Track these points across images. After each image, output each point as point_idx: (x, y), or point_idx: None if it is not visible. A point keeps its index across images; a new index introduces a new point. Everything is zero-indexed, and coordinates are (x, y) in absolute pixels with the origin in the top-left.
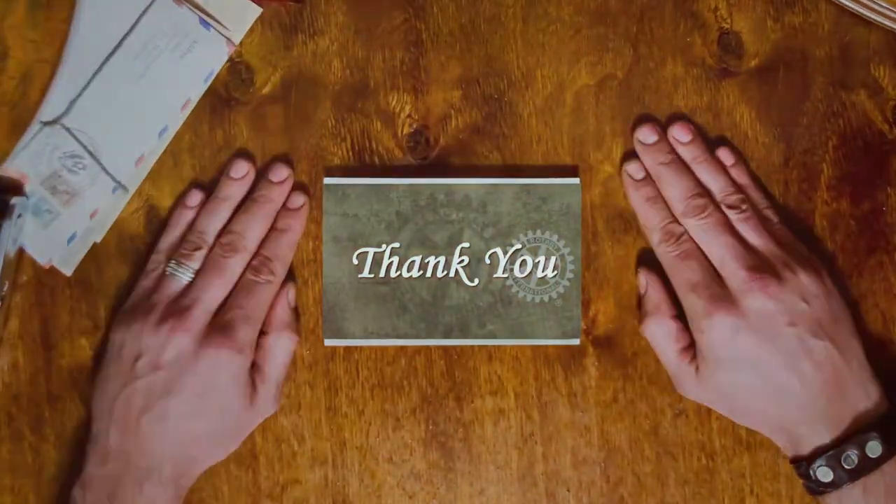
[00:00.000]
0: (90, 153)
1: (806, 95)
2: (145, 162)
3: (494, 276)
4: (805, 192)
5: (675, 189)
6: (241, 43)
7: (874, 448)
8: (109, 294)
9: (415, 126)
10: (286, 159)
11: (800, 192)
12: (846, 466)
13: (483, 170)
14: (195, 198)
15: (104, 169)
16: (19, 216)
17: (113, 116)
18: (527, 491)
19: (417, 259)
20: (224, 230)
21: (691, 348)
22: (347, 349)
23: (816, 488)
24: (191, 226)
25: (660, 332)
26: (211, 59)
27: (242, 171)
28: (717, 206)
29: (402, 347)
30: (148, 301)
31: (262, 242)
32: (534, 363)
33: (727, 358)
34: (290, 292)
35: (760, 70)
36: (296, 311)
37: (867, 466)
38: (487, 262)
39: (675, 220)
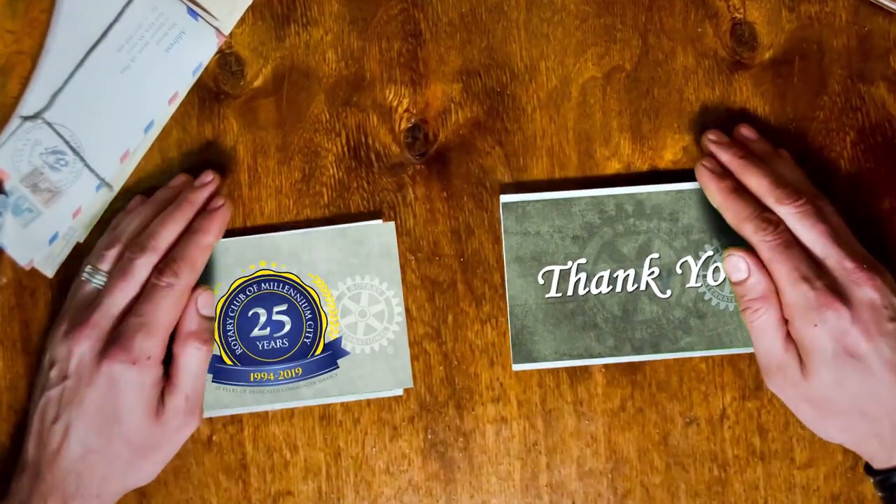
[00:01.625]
0: (73, 149)
1: (822, 89)
2: (130, 158)
3: (687, 286)
4: (821, 189)
5: (762, 178)
6: (231, 33)
7: None
8: None
9: (413, 121)
10: (217, 167)
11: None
12: None
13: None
14: (135, 203)
15: (87, 166)
16: None
17: (97, 111)
18: (530, 503)
19: (606, 273)
20: (137, 232)
21: (791, 338)
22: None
23: None
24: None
25: (771, 320)
26: (199, 50)
27: (179, 181)
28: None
29: None
30: (65, 307)
31: (173, 245)
32: (538, 369)
33: (837, 353)
34: (202, 298)
35: (775, 62)
36: (207, 319)
37: None
38: (679, 272)
39: (767, 209)
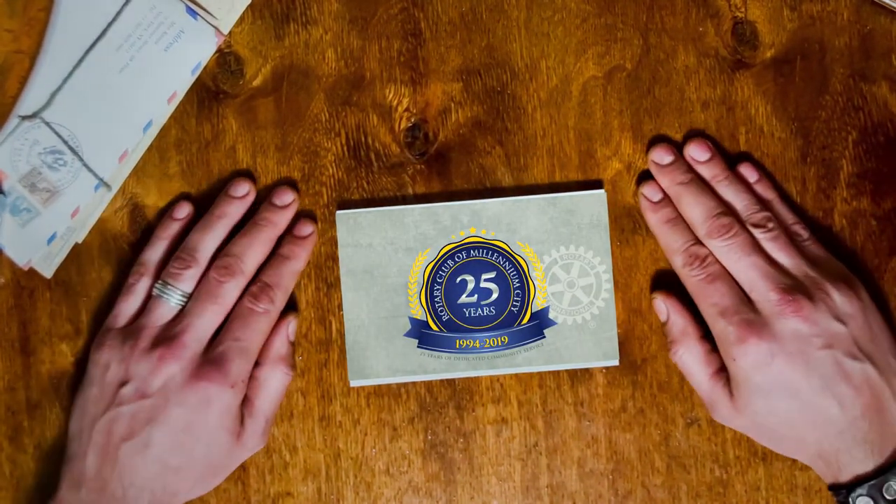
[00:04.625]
0: (71, 149)
1: (824, 88)
2: (129, 158)
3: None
4: (824, 189)
5: (696, 209)
6: (230, 33)
7: None
8: (91, 297)
9: (413, 120)
10: (291, 183)
11: (818, 189)
12: (887, 496)
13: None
14: (183, 210)
15: (86, 165)
16: None
17: (95, 110)
18: None
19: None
20: (220, 252)
21: (723, 371)
22: (341, 354)
23: None
24: (177, 241)
25: (690, 357)
26: (198, 49)
27: (243, 190)
28: (742, 225)
29: None
30: (137, 323)
31: (263, 268)
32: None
33: (762, 384)
34: (291, 325)
35: (776, 61)
36: (293, 345)
37: None
38: (517, 285)
39: (699, 242)
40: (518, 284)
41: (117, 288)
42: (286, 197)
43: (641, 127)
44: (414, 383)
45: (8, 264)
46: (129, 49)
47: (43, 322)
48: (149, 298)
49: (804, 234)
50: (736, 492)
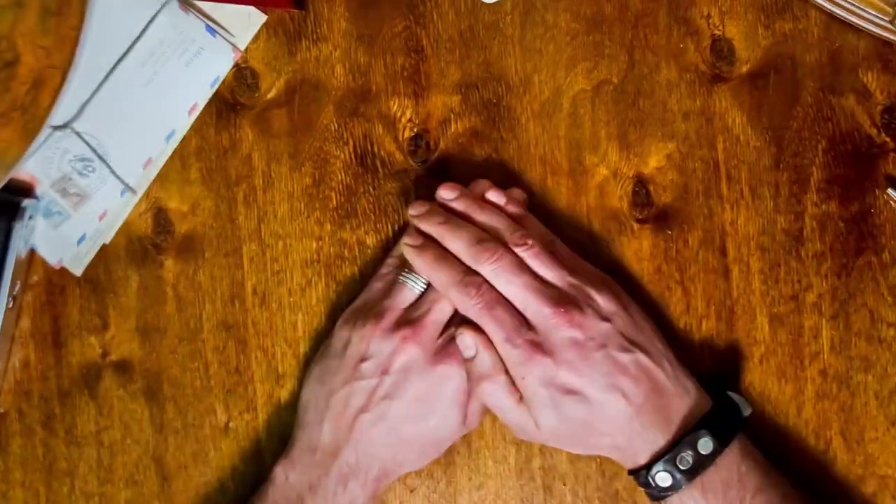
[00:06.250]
0: (99, 156)
1: (796, 100)
2: (153, 165)
3: None
4: (795, 194)
5: (458, 242)
6: (246, 49)
7: (706, 445)
8: (118, 293)
9: (416, 130)
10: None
11: (790, 194)
12: (682, 467)
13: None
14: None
15: (113, 172)
16: (30, 218)
17: (122, 120)
18: (524, 485)
19: None
20: None
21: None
22: None
23: (657, 494)
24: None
25: (498, 391)
26: (217, 64)
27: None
28: (506, 247)
29: None
30: (380, 305)
31: None
32: None
33: (553, 398)
34: None
35: (752, 75)
36: None
37: (702, 464)
38: None
39: (471, 272)
40: None
41: (142, 285)
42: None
43: (627, 136)
44: None
45: (41, 263)
46: (153, 64)
47: (73, 316)
48: (393, 285)
49: (558, 244)
50: None
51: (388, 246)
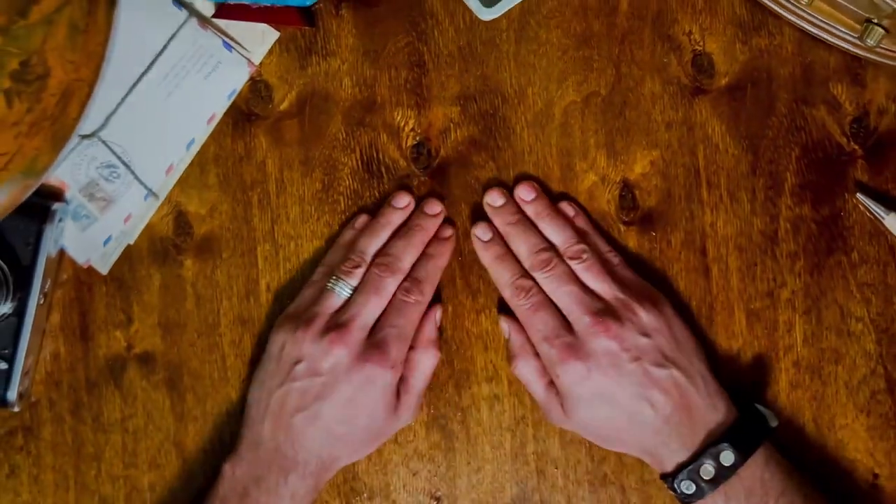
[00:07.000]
0: (124, 163)
1: (771, 111)
2: (174, 171)
3: None
4: (771, 198)
5: (522, 246)
6: (260, 63)
7: (727, 457)
8: (141, 290)
9: (418, 139)
10: (439, 196)
11: (766, 198)
12: (705, 478)
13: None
14: (362, 221)
15: (137, 178)
16: (60, 221)
17: (145, 130)
18: (519, 469)
19: None
20: (381, 251)
21: (554, 385)
22: None
23: (684, 499)
24: (352, 245)
25: (526, 370)
26: (234, 78)
27: (405, 201)
28: (561, 258)
29: None
30: (310, 310)
31: (413, 266)
32: None
33: (584, 396)
34: (438, 313)
35: (730, 88)
36: (440, 331)
37: (724, 474)
38: None
39: (526, 275)
40: None
41: (164, 283)
42: (436, 207)
43: (614, 144)
44: None
45: (70, 263)
46: (174, 78)
47: (100, 312)
48: (322, 291)
49: (615, 260)
50: None
51: None
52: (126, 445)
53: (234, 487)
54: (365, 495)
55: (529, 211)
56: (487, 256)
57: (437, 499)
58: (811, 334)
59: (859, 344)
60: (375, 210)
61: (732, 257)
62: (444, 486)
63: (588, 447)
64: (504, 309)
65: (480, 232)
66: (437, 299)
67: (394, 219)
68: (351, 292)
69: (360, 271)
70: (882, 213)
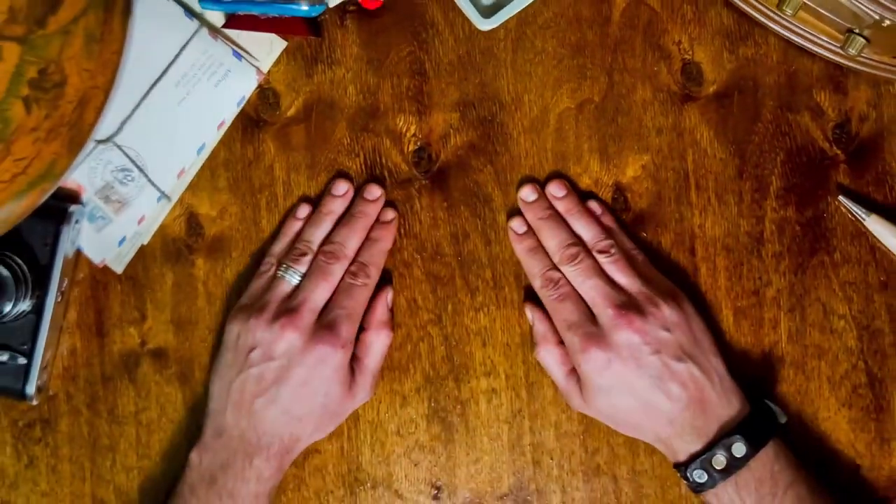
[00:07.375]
0: (138, 167)
1: (757, 117)
2: (186, 174)
3: None
4: (757, 200)
5: (552, 240)
6: (268, 71)
7: (739, 449)
8: (154, 289)
9: (419, 144)
10: (379, 181)
11: (752, 200)
12: (717, 468)
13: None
14: (304, 211)
15: (150, 181)
16: (77, 222)
17: (158, 135)
18: (516, 459)
19: None
20: (326, 240)
21: (575, 372)
22: None
23: (696, 488)
24: (298, 235)
25: (549, 357)
26: (243, 85)
27: (343, 189)
28: (588, 252)
29: (409, 334)
30: (261, 299)
31: (359, 251)
32: (522, 349)
33: (603, 385)
34: (389, 294)
35: (718, 95)
36: (391, 311)
37: (735, 465)
38: None
39: (555, 268)
40: None
41: (176, 281)
42: (375, 192)
43: (607, 149)
44: (420, 360)
45: (86, 262)
46: (186, 85)
47: (115, 310)
48: (272, 280)
49: (640, 257)
50: None
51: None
52: (140, 437)
53: (202, 475)
54: (368, 485)
55: (560, 207)
56: (521, 248)
57: (438, 488)
58: (795, 331)
59: (841, 340)
60: (318, 200)
61: (720, 257)
62: (444, 476)
63: (582, 439)
64: (529, 298)
65: (516, 225)
66: (387, 280)
67: (335, 207)
68: (300, 279)
69: (307, 258)
70: (863, 215)
